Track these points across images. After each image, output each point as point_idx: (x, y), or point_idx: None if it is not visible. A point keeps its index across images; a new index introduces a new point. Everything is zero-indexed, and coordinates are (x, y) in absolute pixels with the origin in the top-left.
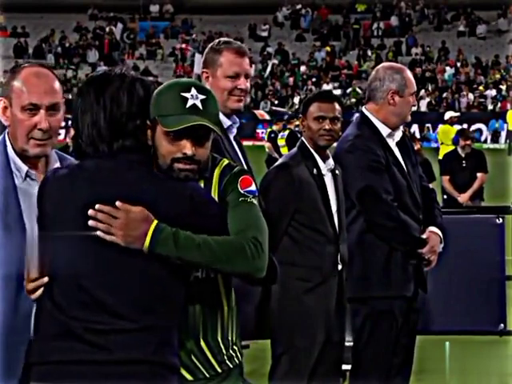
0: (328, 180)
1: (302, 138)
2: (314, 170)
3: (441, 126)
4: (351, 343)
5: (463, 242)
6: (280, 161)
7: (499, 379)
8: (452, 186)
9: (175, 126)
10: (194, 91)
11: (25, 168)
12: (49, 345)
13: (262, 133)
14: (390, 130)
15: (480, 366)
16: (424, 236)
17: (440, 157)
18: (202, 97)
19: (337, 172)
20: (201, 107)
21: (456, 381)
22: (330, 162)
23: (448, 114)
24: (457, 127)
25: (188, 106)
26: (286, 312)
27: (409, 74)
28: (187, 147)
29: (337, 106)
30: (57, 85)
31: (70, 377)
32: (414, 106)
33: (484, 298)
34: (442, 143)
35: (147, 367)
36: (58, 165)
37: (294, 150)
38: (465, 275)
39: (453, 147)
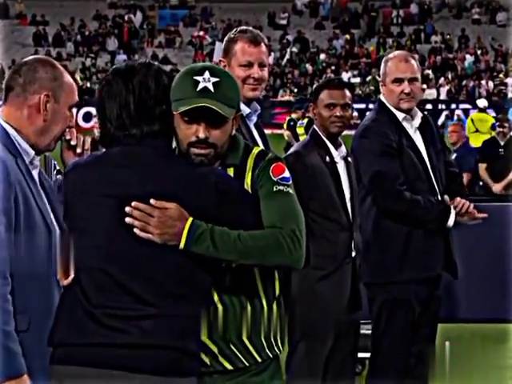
0: (341, 167)
1: (314, 126)
2: (327, 158)
3: (475, 114)
4: (370, 331)
5: (492, 230)
6: (292, 149)
7: None
8: (489, 174)
9: (181, 108)
10: (206, 74)
11: (32, 152)
12: (70, 327)
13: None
14: (404, 115)
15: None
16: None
17: (474, 144)
18: (214, 79)
19: (349, 159)
20: (212, 89)
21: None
22: (343, 149)
23: (482, 102)
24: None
25: (199, 88)
26: (300, 300)
27: (395, 61)
28: (199, 130)
29: (347, 93)
30: None
31: (89, 359)
32: (406, 93)
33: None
34: (475, 131)
35: (167, 352)
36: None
37: (307, 138)
38: (491, 263)
39: (488, 135)
